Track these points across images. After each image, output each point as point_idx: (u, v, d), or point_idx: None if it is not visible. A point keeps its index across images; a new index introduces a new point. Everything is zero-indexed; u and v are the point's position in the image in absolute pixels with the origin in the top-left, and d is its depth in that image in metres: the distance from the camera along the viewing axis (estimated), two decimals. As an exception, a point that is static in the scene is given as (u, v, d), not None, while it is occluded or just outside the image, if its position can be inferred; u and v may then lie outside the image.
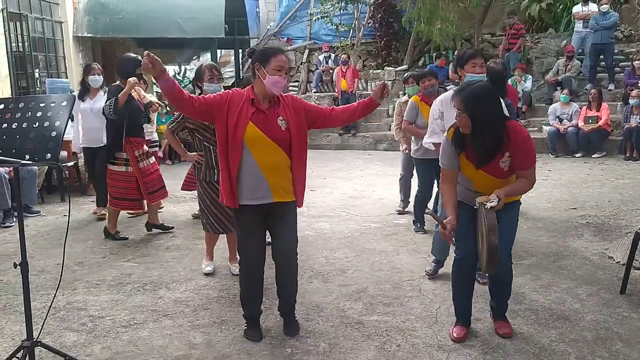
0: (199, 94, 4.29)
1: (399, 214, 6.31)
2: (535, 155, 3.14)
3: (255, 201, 3.17)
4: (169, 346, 3.27)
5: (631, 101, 9.51)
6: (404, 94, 6.23)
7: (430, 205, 6.10)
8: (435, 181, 5.38)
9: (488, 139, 2.95)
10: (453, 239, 3.20)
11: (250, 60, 3.29)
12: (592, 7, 11.40)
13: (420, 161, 5.37)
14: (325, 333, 3.40)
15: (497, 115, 2.98)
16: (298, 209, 3.25)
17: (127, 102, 5.06)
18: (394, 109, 7.17)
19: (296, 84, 15.06)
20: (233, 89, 3.33)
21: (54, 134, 2.68)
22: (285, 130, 3.14)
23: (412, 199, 5.97)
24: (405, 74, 6.58)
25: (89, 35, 10.50)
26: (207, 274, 4.41)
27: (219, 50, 13.80)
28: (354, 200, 7.14)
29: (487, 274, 3.53)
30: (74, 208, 6.77)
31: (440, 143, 3.93)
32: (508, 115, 3.31)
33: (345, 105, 3.49)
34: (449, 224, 3.10)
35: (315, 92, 13.88)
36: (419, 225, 5.63)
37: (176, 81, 3.02)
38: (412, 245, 5.11)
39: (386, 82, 3.45)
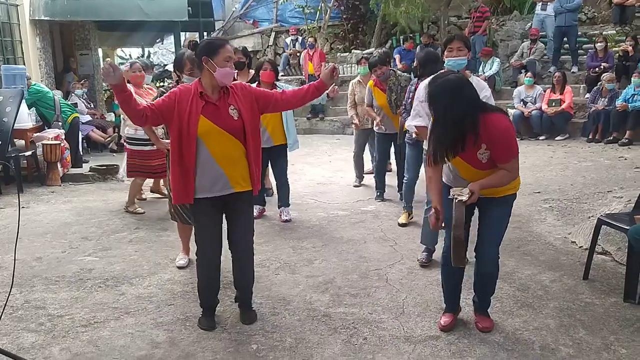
0: (177, 81, 4.35)
1: (354, 187, 6.90)
2: (517, 147, 2.96)
3: (214, 193, 3.17)
4: (131, 346, 3.19)
5: (608, 85, 9.52)
6: (358, 74, 6.82)
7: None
8: (392, 154, 6.29)
9: (448, 132, 2.86)
10: (443, 224, 3.07)
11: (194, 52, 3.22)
12: None
13: (379, 135, 6.08)
14: (291, 327, 3.37)
15: (458, 110, 2.81)
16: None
17: None
18: None
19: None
20: (180, 85, 3.28)
21: (1, 130, 2.55)
22: (238, 119, 3.14)
23: (366, 176, 6.90)
24: (360, 56, 7.57)
25: (46, 18, 10.08)
26: (179, 267, 4.33)
27: (183, 33, 13.46)
28: (322, 186, 7.09)
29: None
30: (33, 199, 6.56)
31: (424, 126, 3.92)
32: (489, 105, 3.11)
33: (296, 89, 3.49)
34: (435, 210, 3.01)
35: (282, 75, 13.68)
36: (378, 194, 6.28)
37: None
38: (380, 233, 5.10)
39: (335, 65, 3.43)
